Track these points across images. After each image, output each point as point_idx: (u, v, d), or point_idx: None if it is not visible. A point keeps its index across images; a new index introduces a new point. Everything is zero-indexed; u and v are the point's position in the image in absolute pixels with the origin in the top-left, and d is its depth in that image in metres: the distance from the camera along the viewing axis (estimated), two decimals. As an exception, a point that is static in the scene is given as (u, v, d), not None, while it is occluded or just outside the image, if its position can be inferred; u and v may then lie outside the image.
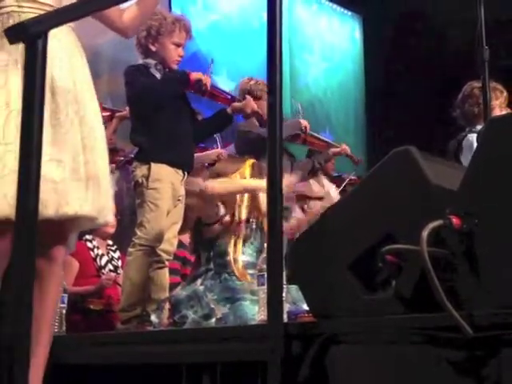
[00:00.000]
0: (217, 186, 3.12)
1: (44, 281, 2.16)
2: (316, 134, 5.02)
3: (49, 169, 2.07)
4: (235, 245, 3.08)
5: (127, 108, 4.13)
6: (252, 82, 4.28)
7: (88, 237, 4.45)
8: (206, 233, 3.12)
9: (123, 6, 2.49)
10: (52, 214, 2.07)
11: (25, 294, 1.63)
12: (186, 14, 6.37)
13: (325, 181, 5.86)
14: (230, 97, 3.92)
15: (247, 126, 4.18)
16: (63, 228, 2.19)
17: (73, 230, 2.30)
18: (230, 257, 3.06)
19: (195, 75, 3.55)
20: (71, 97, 2.20)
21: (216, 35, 7.51)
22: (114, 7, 2.42)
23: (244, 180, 3.20)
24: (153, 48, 3.54)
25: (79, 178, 2.15)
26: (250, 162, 3.31)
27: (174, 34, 3.54)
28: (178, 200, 3.50)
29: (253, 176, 3.21)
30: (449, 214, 1.57)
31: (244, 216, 3.15)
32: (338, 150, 5.25)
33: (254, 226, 3.16)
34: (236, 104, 3.82)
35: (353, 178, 5.70)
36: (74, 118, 2.19)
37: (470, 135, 4.04)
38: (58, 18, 1.71)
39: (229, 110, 3.79)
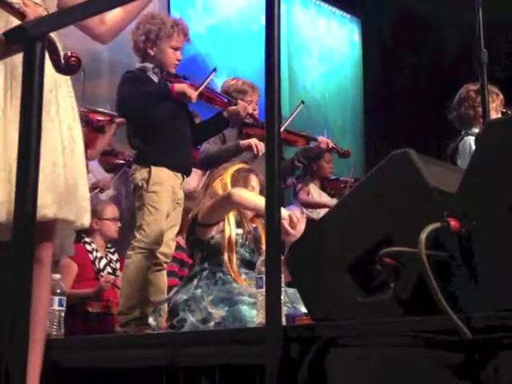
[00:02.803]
0: (245, 197, 3.01)
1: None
2: (291, 129, 4.51)
3: None
4: (229, 244, 3.08)
5: None
6: (231, 83, 4.19)
7: (87, 239, 4.45)
8: (199, 233, 3.12)
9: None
10: None
11: (23, 298, 1.63)
12: (185, 17, 6.38)
13: (313, 189, 5.75)
14: (226, 100, 3.91)
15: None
16: (45, 228, 2.18)
17: (54, 231, 2.28)
18: (225, 256, 3.06)
19: (178, 88, 3.46)
20: (53, 96, 2.20)
21: (215, 38, 7.51)
22: None
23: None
24: (151, 52, 3.53)
25: (58, 180, 2.16)
26: (233, 168, 3.29)
27: (173, 38, 3.54)
28: (177, 203, 3.50)
29: (234, 184, 3.20)
30: (447, 217, 1.57)
31: (234, 218, 3.15)
32: (316, 146, 4.66)
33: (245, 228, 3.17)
34: (231, 108, 3.82)
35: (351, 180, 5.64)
36: (55, 119, 2.19)
37: (466, 138, 4.03)
38: (58, 20, 1.71)
39: (225, 114, 3.79)
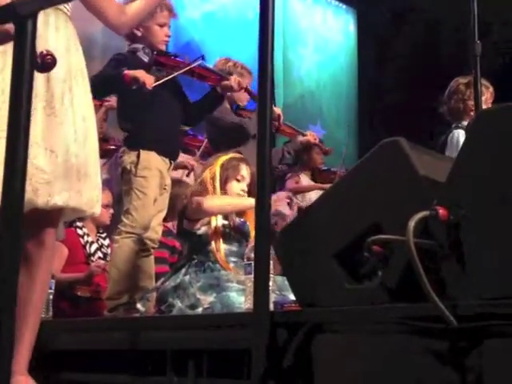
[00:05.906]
0: (213, 204, 3.08)
1: (32, 264, 2.16)
2: (289, 123, 4.84)
3: (41, 159, 2.08)
4: (216, 233, 3.09)
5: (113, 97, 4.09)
6: (230, 64, 4.18)
7: (78, 223, 4.44)
8: (187, 224, 3.13)
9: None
10: (42, 205, 2.11)
11: (10, 283, 1.62)
12: (180, 3, 6.35)
13: (304, 179, 5.83)
14: (219, 76, 3.87)
15: (218, 113, 4.09)
16: (52, 214, 2.21)
17: (60, 217, 2.31)
18: (212, 246, 3.07)
19: (131, 74, 3.33)
20: (66, 87, 2.21)
21: (210, 25, 7.49)
22: (113, 2, 2.43)
23: (237, 200, 3.17)
24: (138, 33, 3.52)
25: (70, 169, 2.17)
26: (224, 158, 3.28)
27: (157, 15, 3.50)
28: (164, 189, 3.49)
29: (222, 174, 3.20)
30: (436, 205, 1.57)
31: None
32: (305, 138, 5.03)
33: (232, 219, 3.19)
34: (224, 82, 3.79)
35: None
36: (69, 108, 2.20)
37: (455, 131, 4.04)
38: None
39: (219, 89, 3.77)
